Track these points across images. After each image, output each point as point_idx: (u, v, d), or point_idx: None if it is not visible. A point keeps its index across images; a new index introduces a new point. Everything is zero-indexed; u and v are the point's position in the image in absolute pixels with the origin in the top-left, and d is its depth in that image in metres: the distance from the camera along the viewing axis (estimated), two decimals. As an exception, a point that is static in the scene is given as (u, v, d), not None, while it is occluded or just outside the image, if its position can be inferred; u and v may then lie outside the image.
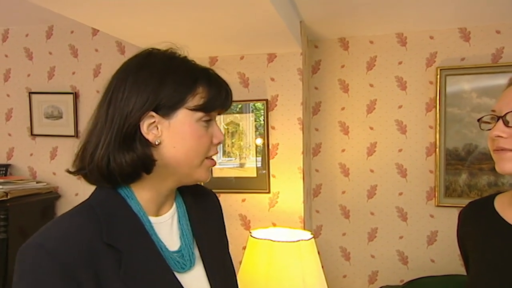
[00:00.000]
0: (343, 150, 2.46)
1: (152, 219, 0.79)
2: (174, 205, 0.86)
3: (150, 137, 0.76)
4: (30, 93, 2.66)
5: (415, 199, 2.36)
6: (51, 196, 2.57)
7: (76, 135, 2.60)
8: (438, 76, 2.26)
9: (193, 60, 0.84)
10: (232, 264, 0.98)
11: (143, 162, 0.75)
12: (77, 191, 2.61)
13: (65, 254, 0.66)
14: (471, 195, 2.24)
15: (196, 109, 0.77)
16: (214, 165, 0.84)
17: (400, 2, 1.93)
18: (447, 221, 2.29)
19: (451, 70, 2.26)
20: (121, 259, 0.70)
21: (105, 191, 0.77)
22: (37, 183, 2.52)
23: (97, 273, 0.68)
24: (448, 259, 2.27)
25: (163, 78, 0.76)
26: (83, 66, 2.63)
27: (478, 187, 2.24)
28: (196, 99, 0.77)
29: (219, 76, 0.83)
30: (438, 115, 2.27)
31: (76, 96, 2.60)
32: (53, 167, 2.65)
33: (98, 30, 2.54)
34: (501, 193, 1.06)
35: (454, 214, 2.23)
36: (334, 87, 2.47)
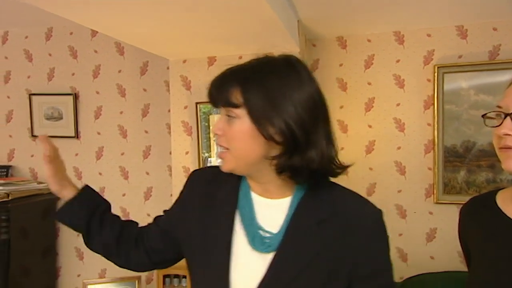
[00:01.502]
0: (341, 148, 2.43)
1: (257, 197, 0.91)
2: (290, 198, 0.90)
3: None
4: (30, 94, 2.68)
5: (414, 197, 2.37)
6: (52, 197, 2.58)
7: (77, 136, 2.61)
8: (436, 74, 2.27)
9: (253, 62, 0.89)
10: None
11: None
12: (78, 192, 2.62)
13: (195, 177, 1.03)
14: (469, 192, 2.25)
15: None
16: (219, 156, 0.89)
17: (398, 1, 1.94)
18: (446, 218, 2.30)
19: (448, 67, 2.27)
20: (196, 200, 0.96)
21: None
22: (38, 183, 2.54)
23: (201, 198, 0.96)
24: (448, 256, 2.28)
25: None
26: (82, 67, 2.64)
27: (476, 184, 2.25)
28: None
29: (220, 74, 0.88)
30: (436, 112, 2.28)
31: (76, 97, 2.61)
32: (54, 168, 2.66)
33: (97, 31, 2.55)
34: (502, 189, 1.04)
35: (453, 211, 2.25)
36: (333, 86, 2.48)
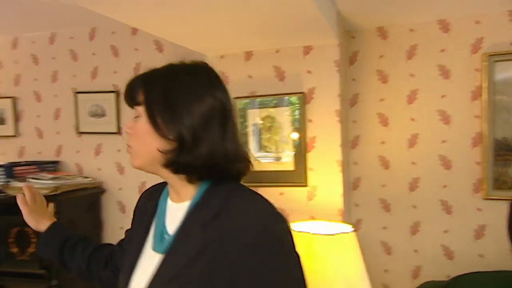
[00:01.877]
0: (382, 142, 2.39)
1: (170, 203, 0.96)
2: (190, 201, 0.91)
3: None
4: (76, 92, 2.79)
5: (461, 192, 2.26)
6: (97, 191, 2.69)
7: (119, 131, 2.70)
8: (486, 63, 2.14)
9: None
10: None
11: None
12: (120, 186, 2.71)
13: (141, 197, 1.09)
14: (522, 187, 2.11)
15: None
16: (127, 152, 0.95)
17: (442, -14, 1.84)
18: (497, 215, 2.18)
19: (500, 55, 2.13)
20: (138, 216, 1.06)
21: None
22: (83, 178, 2.64)
23: (139, 216, 1.04)
24: (499, 254, 2.16)
25: None
26: (124, 65, 2.71)
27: (530, 179, 2.11)
28: None
29: (134, 76, 0.95)
30: (485, 103, 2.16)
31: (118, 94, 2.70)
32: (98, 163, 2.77)
33: (137, 30, 2.61)
34: None
35: (504, 208, 2.12)
36: (373, 78, 2.41)
